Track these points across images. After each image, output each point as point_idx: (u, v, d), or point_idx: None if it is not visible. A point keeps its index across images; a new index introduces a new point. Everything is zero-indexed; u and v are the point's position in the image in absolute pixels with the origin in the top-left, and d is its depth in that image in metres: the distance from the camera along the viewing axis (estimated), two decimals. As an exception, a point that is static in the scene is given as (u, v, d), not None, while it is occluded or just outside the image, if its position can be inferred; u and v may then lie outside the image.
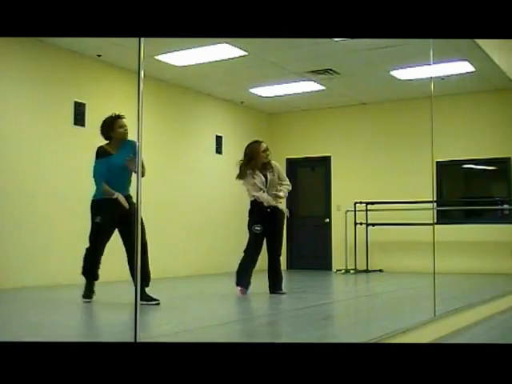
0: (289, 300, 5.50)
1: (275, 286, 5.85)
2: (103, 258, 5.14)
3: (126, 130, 5.12)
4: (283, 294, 5.80)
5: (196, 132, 9.57)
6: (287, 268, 10.45)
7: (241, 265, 5.89)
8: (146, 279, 4.85)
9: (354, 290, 7.51)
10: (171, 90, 8.95)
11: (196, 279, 8.22)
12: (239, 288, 5.77)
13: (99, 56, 7.63)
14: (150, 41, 2.91)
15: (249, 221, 5.91)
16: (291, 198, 10.90)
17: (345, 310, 5.25)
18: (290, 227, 10.85)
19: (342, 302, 5.75)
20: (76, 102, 7.42)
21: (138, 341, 2.67)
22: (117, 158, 5.09)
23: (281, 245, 6.03)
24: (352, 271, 9.69)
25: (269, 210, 5.90)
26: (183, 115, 9.26)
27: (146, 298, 4.75)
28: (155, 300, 4.82)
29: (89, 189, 7.46)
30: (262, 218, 5.86)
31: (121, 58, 7.60)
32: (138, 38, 2.78)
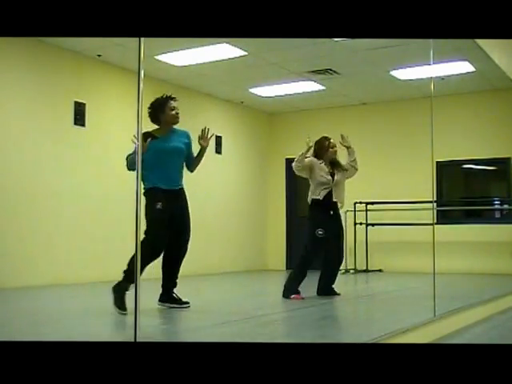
0: (289, 300, 5.50)
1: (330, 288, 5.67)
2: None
3: (177, 113, 4.64)
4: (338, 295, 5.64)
5: (196, 132, 9.54)
6: (286, 268, 10.44)
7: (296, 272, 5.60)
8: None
9: (353, 290, 7.51)
10: (171, 90, 8.88)
11: (195, 279, 8.21)
12: (295, 296, 5.39)
13: (99, 56, 7.63)
14: (150, 41, 2.91)
15: (310, 224, 5.56)
16: (291, 198, 10.93)
17: (345, 310, 5.25)
18: (290, 227, 10.86)
19: (341, 302, 5.75)
20: (76, 102, 7.43)
21: (138, 341, 2.68)
22: (167, 142, 4.59)
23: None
24: (352, 271, 9.69)
25: (331, 212, 5.68)
26: (183, 115, 9.22)
27: (173, 300, 4.65)
28: (186, 303, 4.64)
29: (90, 188, 7.49)
30: (324, 220, 5.56)
31: (121, 58, 7.60)
32: (138, 38, 2.79)
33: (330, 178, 5.70)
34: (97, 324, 4.28)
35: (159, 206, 4.48)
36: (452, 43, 6.90)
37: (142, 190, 4.45)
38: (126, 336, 2.97)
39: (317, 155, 5.71)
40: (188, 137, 4.76)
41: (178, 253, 4.78)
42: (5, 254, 6.46)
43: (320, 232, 5.49)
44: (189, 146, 4.80)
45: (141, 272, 4.65)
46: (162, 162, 4.57)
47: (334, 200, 5.78)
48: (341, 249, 5.90)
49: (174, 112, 4.63)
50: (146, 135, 4.25)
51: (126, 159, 4.46)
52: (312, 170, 5.65)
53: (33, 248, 6.78)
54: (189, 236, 4.79)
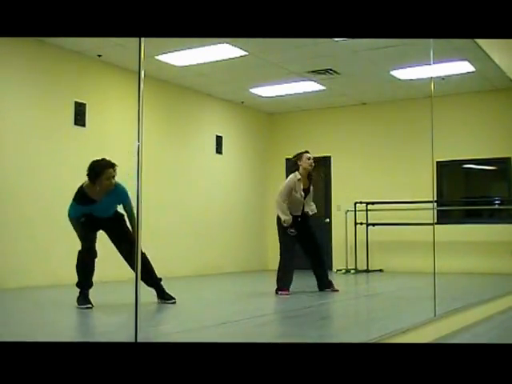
0: (288, 300, 5.50)
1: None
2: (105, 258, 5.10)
3: (112, 182, 4.72)
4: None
5: (196, 132, 9.57)
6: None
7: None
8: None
9: (354, 290, 7.51)
10: (171, 90, 8.95)
11: (195, 279, 8.22)
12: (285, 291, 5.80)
13: (100, 56, 7.64)
14: (150, 41, 2.91)
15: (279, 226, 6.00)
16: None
17: (345, 310, 5.25)
18: (290, 227, 10.85)
19: (342, 302, 5.75)
20: (76, 102, 7.43)
21: (138, 341, 2.68)
22: (102, 205, 4.81)
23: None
24: (352, 271, 9.69)
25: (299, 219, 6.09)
26: (183, 115, 9.26)
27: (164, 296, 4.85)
28: (173, 299, 4.89)
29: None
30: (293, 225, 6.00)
31: (121, 58, 7.60)
32: (138, 38, 2.79)
33: (303, 195, 6.17)
34: (97, 324, 4.28)
35: (83, 219, 4.79)
36: (452, 43, 6.90)
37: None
38: (126, 336, 2.98)
39: (297, 168, 6.13)
40: (122, 195, 4.79)
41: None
42: (4, 253, 6.46)
43: (292, 231, 5.92)
44: (123, 202, 4.86)
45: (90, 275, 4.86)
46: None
47: (305, 211, 6.23)
48: (315, 243, 6.28)
49: (108, 182, 4.71)
50: (81, 192, 4.75)
51: (69, 212, 4.82)
52: (290, 193, 6.09)
53: (32, 248, 6.78)
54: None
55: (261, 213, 10.67)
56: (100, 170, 4.68)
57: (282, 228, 5.95)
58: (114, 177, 4.72)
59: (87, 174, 4.76)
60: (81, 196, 4.77)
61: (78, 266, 4.87)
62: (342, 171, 10.47)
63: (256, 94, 9.62)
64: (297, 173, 6.12)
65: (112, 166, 4.71)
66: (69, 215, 4.83)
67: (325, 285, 6.06)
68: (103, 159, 4.77)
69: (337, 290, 6.04)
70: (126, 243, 4.81)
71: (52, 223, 6.98)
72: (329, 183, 10.64)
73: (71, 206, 4.82)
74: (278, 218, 5.97)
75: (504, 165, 9.49)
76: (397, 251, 9.85)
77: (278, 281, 5.86)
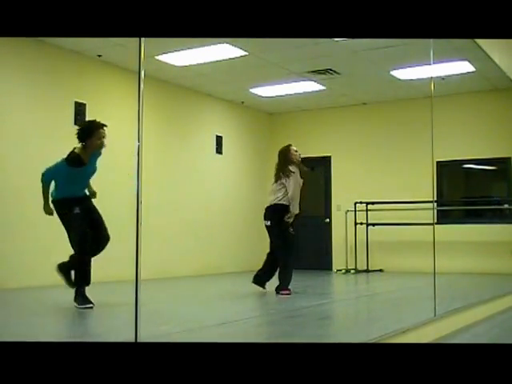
0: (289, 300, 5.50)
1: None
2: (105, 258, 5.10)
3: (103, 142, 4.87)
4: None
5: (196, 132, 9.57)
6: (287, 268, 10.44)
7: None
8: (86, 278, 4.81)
9: (354, 290, 7.51)
10: (171, 90, 8.95)
11: (195, 280, 8.22)
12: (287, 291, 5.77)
13: (100, 56, 7.64)
14: (150, 41, 2.91)
15: (283, 223, 5.91)
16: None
17: (345, 310, 5.25)
18: (290, 227, 10.86)
19: (342, 302, 5.75)
20: (76, 102, 7.43)
21: (138, 341, 2.68)
22: (89, 168, 4.94)
23: None
24: (352, 271, 9.69)
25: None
26: (183, 115, 9.26)
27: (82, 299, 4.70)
28: (91, 303, 4.68)
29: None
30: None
31: (121, 58, 7.60)
32: (138, 38, 2.79)
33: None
34: (95, 325, 4.28)
35: (77, 210, 4.83)
36: (452, 43, 6.90)
37: (51, 199, 4.88)
38: (126, 336, 2.97)
39: (291, 163, 5.99)
40: (98, 155, 5.02)
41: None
42: (4, 253, 6.46)
43: (292, 229, 5.93)
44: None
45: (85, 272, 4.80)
46: (79, 182, 4.97)
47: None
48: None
49: (100, 141, 4.85)
50: (74, 157, 4.80)
51: (43, 175, 4.84)
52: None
53: (33, 248, 6.78)
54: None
55: (261, 213, 10.63)
56: (92, 129, 4.82)
57: (284, 227, 5.89)
58: (104, 137, 4.86)
59: (78, 135, 4.84)
60: (74, 158, 4.81)
61: (76, 267, 4.84)
62: (342, 171, 10.47)
63: (256, 94, 9.63)
64: (293, 166, 6.00)
65: (103, 126, 4.87)
66: (46, 179, 4.83)
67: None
68: (94, 120, 4.92)
69: (288, 294, 5.78)
70: (102, 227, 4.93)
71: (53, 223, 6.98)
72: (329, 183, 10.65)
73: (57, 166, 4.81)
74: (280, 217, 5.89)
75: (504, 165, 9.50)
76: (397, 251, 9.85)
77: (282, 281, 5.81)
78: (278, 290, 5.79)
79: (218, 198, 9.73)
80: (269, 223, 5.97)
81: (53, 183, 4.88)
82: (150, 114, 7.74)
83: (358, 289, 7.74)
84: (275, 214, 5.95)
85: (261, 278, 6.09)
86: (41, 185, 4.86)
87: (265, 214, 6.07)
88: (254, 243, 10.50)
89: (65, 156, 4.84)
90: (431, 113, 5.32)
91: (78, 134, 4.86)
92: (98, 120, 4.92)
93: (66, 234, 4.90)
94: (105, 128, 4.88)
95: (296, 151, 6.05)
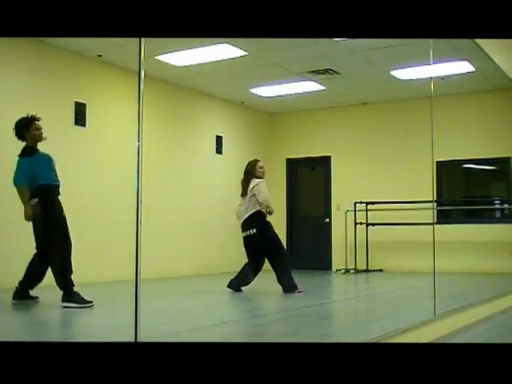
0: (289, 300, 5.51)
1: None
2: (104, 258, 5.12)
3: (42, 133, 5.06)
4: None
5: (196, 132, 9.57)
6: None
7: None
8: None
9: (353, 290, 7.51)
10: (171, 90, 8.95)
11: (196, 279, 8.22)
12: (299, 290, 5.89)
13: (100, 56, 7.64)
14: (151, 41, 2.92)
15: (270, 227, 6.07)
16: (292, 198, 10.94)
17: (345, 310, 5.25)
18: (290, 227, 10.86)
19: (341, 302, 5.75)
20: (77, 102, 7.43)
21: (138, 341, 2.68)
22: (43, 156, 5.08)
23: None
24: (352, 271, 9.69)
25: None
26: (183, 115, 9.26)
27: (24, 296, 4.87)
28: (36, 298, 4.93)
29: (90, 188, 7.49)
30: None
31: (121, 58, 7.60)
32: (138, 38, 2.79)
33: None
34: (95, 324, 4.29)
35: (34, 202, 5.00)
36: (452, 43, 6.90)
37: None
38: (126, 336, 2.98)
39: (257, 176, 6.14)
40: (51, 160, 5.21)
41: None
42: (6, 253, 6.46)
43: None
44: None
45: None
46: (45, 170, 5.15)
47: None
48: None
49: (38, 132, 5.06)
50: (26, 148, 5.06)
51: (13, 181, 5.06)
52: None
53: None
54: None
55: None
56: (27, 122, 5.02)
57: (272, 229, 6.04)
58: (41, 128, 5.06)
59: (16, 133, 5.05)
60: (24, 148, 5.05)
61: (64, 263, 4.97)
62: (342, 171, 10.47)
63: (256, 93, 9.63)
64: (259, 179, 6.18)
65: (37, 119, 5.07)
66: (17, 182, 5.03)
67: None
68: (27, 115, 5.08)
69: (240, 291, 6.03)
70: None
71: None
72: (329, 183, 10.65)
73: (17, 166, 5.02)
74: (263, 223, 6.01)
75: (504, 165, 9.50)
76: (397, 251, 9.85)
77: (291, 280, 5.90)
78: (290, 291, 5.85)
79: (218, 197, 9.73)
80: (254, 231, 5.98)
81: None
82: (150, 114, 7.74)
83: (357, 289, 7.74)
84: (257, 221, 6.03)
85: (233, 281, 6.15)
86: (18, 193, 5.01)
87: (243, 225, 6.10)
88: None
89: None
90: (431, 113, 5.31)
91: (15, 131, 5.06)
92: (30, 114, 5.07)
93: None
94: (40, 121, 5.07)
95: (261, 167, 6.19)
